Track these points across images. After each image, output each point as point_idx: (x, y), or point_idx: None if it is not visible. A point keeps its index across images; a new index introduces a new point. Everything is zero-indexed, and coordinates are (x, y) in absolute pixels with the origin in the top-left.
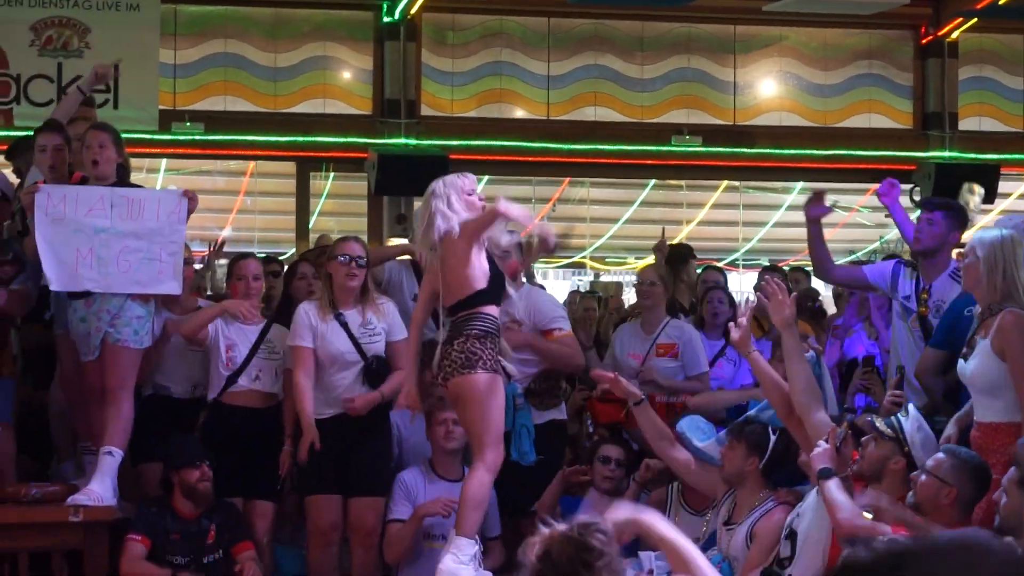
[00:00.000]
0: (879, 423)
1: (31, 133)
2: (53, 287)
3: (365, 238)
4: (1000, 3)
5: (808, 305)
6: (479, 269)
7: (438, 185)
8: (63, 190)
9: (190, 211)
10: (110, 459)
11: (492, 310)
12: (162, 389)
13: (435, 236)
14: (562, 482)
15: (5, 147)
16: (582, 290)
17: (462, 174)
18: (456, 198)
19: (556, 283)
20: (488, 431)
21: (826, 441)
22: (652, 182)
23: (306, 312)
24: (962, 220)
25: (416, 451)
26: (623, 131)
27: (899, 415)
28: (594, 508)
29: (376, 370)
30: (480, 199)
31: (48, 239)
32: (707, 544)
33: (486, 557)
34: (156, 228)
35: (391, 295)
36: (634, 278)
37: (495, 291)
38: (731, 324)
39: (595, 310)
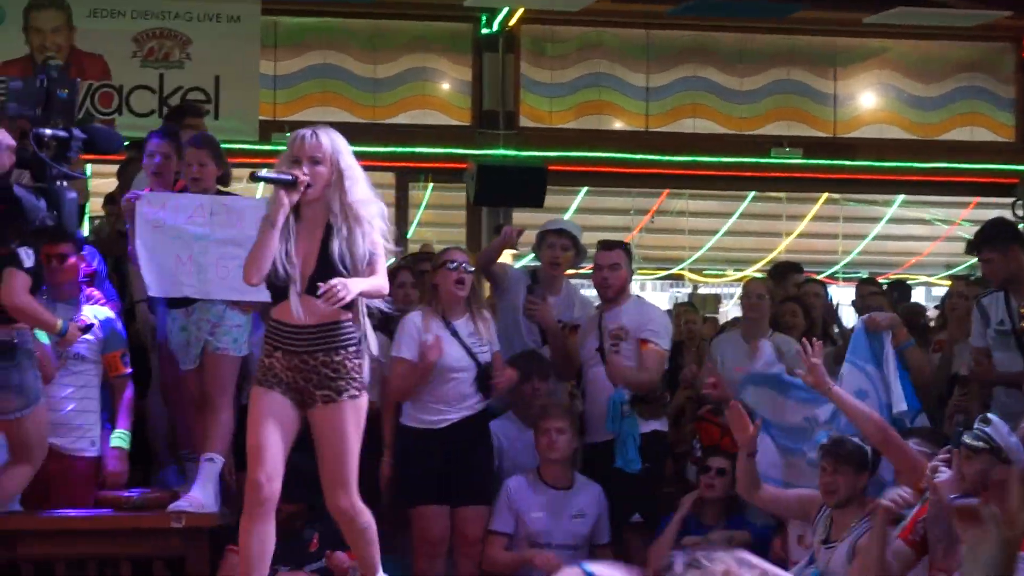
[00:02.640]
0: (967, 439)
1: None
2: (151, 292)
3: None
4: None
5: (920, 323)
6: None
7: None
8: (163, 197)
9: None
10: (211, 465)
11: (275, 312)
12: None
13: None
14: (679, 518)
15: (114, 157)
16: (679, 301)
17: (299, 132)
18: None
19: (653, 295)
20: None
21: (948, 465)
22: (752, 194)
23: (413, 323)
24: None
25: (516, 463)
26: (722, 143)
27: (979, 425)
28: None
29: (489, 378)
30: (301, 172)
31: (148, 246)
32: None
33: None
34: (254, 236)
35: (504, 298)
36: (733, 290)
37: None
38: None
39: (696, 323)
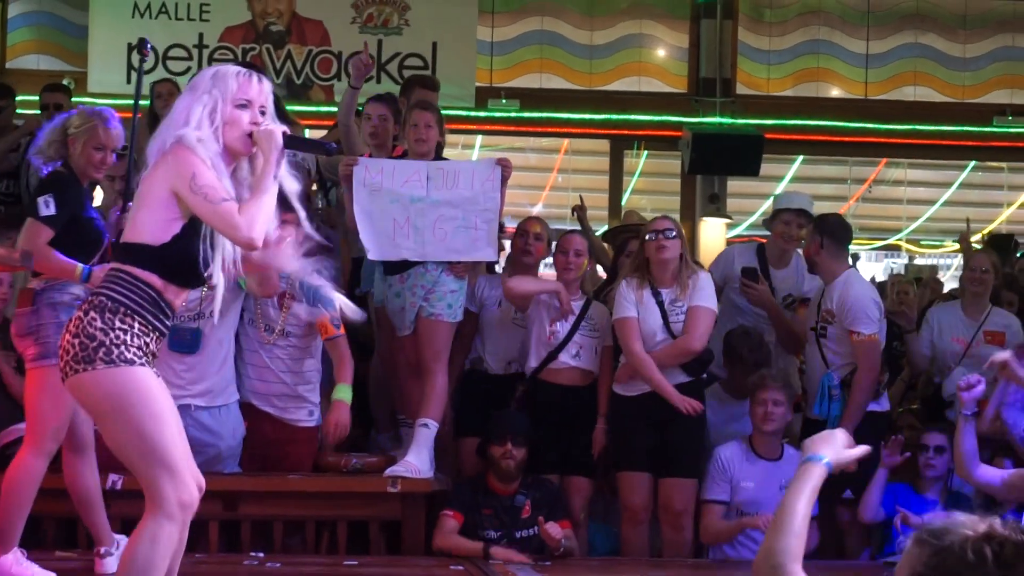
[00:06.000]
0: None
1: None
2: (371, 256)
3: (678, 217)
4: None
5: None
6: (163, 220)
7: (204, 78)
8: (380, 163)
9: (505, 178)
10: (426, 431)
11: (150, 277)
12: (479, 364)
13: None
14: (884, 470)
15: (331, 122)
16: (896, 272)
17: (246, 72)
18: (221, 108)
19: (869, 265)
20: (152, 456)
21: None
22: (972, 164)
23: (627, 285)
24: None
25: (720, 436)
26: (943, 111)
27: None
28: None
29: None
30: (255, 121)
31: (366, 210)
32: None
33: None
34: (471, 196)
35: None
36: (950, 262)
37: (168, 264)
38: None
39: (909, 294)
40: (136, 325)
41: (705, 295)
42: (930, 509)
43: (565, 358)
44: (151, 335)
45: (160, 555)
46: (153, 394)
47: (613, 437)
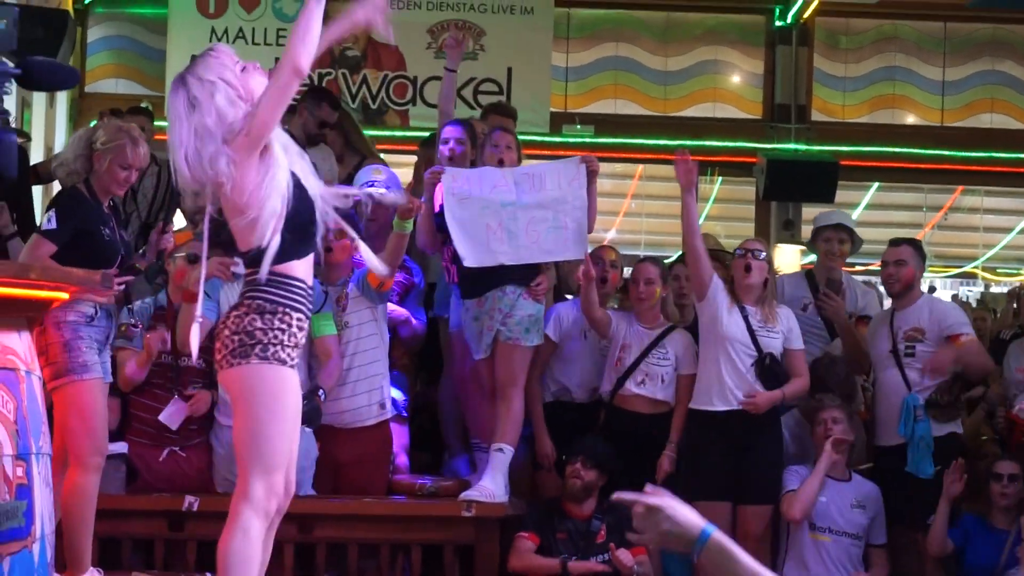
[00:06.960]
0: None
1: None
2: (467, 263)
3: None
4: None
5: None
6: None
7: (193, 88)
8: (465, 172)
9: (592, 173)
10: (501, 456)
11: (291, 268)
12: (565, 394)
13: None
14: (947, 500)
15: (408, 147)
16: (971, 301)
17: (213, 49)
18: (233, 93)
19: (944, 293)
20: (257, 450)
21: None
22: None
23: (719, 286)
24: None
25: (804, 459)
26: (1020, 139)
27: None
28: None
29: (770, 367)
30: (256, 67)
31: (457, 218)
32: None
33: (871, 566)
34: (559, 196)
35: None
36: None
37: (294, 244)
38: None
39: (985, 321)
40: (294, 322)
41: (798, 334)
42: (1001, 540)
43: (631, 386)
44: (304, 325)
45: (254, 547)
46: (288, 398)
47: (689, 463)
